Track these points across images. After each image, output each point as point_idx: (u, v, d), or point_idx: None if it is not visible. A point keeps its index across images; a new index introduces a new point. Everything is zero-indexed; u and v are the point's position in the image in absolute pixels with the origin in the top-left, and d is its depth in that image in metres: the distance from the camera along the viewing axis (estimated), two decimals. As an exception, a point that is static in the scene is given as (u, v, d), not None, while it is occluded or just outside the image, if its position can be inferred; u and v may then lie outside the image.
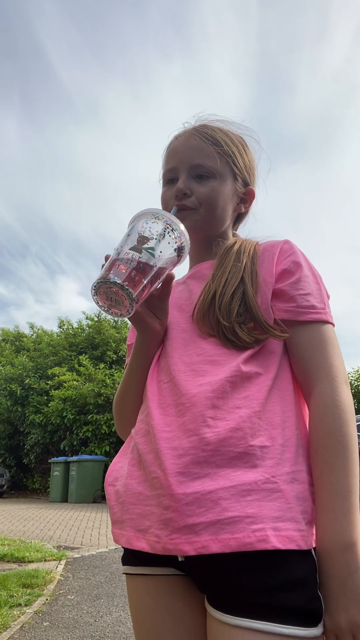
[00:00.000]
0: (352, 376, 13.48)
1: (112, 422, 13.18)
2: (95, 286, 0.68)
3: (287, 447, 0.69)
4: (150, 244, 0.72)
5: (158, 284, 0.75)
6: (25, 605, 3.15)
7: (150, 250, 0.71)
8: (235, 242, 0.89)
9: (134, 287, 0.68)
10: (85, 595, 3.45)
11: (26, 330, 21.00)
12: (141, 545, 0.68)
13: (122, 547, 0.76)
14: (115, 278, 0.67)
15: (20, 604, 3.14)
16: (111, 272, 0.68)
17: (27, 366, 16.21)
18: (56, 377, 14.90)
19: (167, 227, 0.73)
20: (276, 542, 0.61)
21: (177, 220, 0.74)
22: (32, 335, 19.80)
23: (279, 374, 0.76)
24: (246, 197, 0.95)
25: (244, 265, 0.82)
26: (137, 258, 0.70)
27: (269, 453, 0.67)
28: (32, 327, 20.07)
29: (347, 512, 0.64)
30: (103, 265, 0.71)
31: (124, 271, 0.68)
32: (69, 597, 3.40)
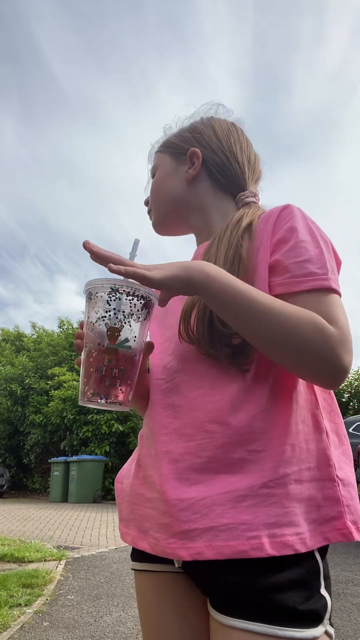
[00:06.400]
0: (352, 376, 13.46)
1: (112, 422, 13.19)
2: (83, 402, 0.67)
3: (287, 447, 0.64)
4: (123, 334, 0.66)
5: (141, 353, 0.70)
6: (25, 605, 3.14)
7: (126, 345, 0.67)
8: (242, 216, 0.78)
9: (123, 395, 0.67)
10: (85, 595, 3.45)
11: (27, 330, 21.04)
12: (144, 545, 0.70)
13: None
14: (102, 400, 0.65)
15: (20, 604, 3.14)
16: (91, 391, 0.66)
17: (27, 366, 16.21)
18: (56, 377, 14.89)
19: (127, 294, 0.66)
20: (270, 550, 0.59)
21: (124, 278, 0.65)
22: (33, 335, 19.80)
23: (278, 369, 0.69)
24: (192, 160, 0.87)
25: (230, 253, 0.73)
26: (116, 363, 0.66)
27: (267, 457, 0.64)
28: (33, 326, 20.08)
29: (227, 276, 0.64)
30: (82, 376, 0.67)
31: (106, 384, 0.65)
32: (69, 597, 3.40)
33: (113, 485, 13.59)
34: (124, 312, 0.66)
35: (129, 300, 0.66)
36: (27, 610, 3.04)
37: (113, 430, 13.03)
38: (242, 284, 0.64)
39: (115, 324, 0.66)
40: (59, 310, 60.12)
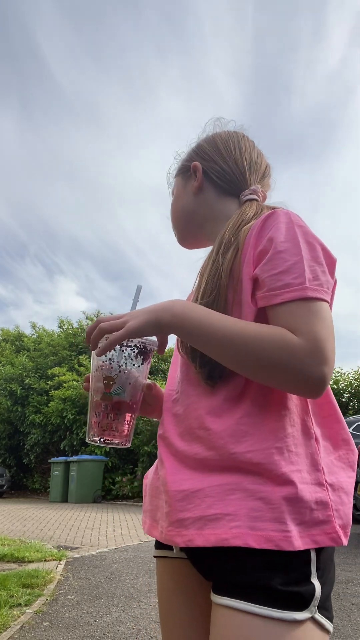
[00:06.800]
0: (352, 376, 13.46)
1: (112, 422, 13.18)
2: (88, 439, 0.79)
3: (274, 450, 0.67)
4: (118, 382, 0.76)
5: (140, 395, 0.80)
6: (25, 605, 3.15)
7: (119, 392, 0.76)
8: (229, 226, 0.80)
9: (119, 435, 0.77)
10: (85, 595, 3.45)
11: (27, 330, 21.04)
12: (156, 534, 0.78)
13: None
14: (100, 440, 0.77)
15: (20, 604, 3.14)
16: (92, 432, 0.77)
17: (27, 366, 16.21)
18: (56, 377, 14.90)
19: (120, 345, 0.76)
20: (251, 541, 0.63)
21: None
22: (33, 335, 19.81)
23: None
24: (195, 173, 0.91)
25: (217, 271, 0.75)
26: (111, 408, 0.76)
27: (254, 457, 0.66)
28: (33, 326, 20.09)
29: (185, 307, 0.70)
30: (89, 416, 0.78)
31: (102, 427, 0.76)
32: (69, 597, 3.40)
33: (113, 485, 13.47)
34: (118, 362, 0.75)
35: (123, 350, 0.76)
36: (27, 610, 3.05)
37: (113, 430, 13.02)
38: (206, 316, 0.68)
39: (110, 374, 0.75)
40: (59, 310, 60.12)
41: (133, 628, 2.77)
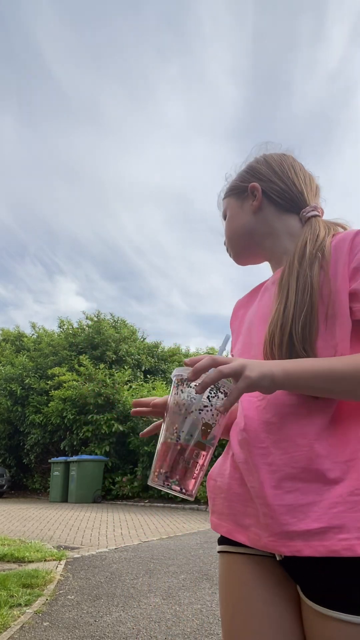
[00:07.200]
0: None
1: (112, 422, 13.19)
2: (156, 483, 0.71)
3: None
4: (212, 431, 0.71)
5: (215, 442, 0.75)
6: (25, 605, 3.15)
7: (212, 441, 0.72)
8: (306, 242, 0.85)
9: (194, 486, 0.72)
10: (85, 595, 3.45)
11: (27, 330, 21.04)
12: (241, 538, 0.80)
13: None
14: (177, 488, 0.70)
15: (20, 604, 3.14)
16: (173, 479, 0.70)
17: (27, 366, 16.21)
18: (56, 377, 14.90)
19: (225, 394, 0.71)
20: None
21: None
22: (33, 335, 19.81)
23: None
24: (253, 194, 0.96)
25: (311, 279, 0.79)
26: (202, 457, 0.71)
27: (353, 468, 0.70)
28: (33, 326, 20.09)
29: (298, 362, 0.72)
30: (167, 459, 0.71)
31: (186, 475, 0.70)
32: (69, 597, 3.40)
33: (113, 485, 13.41)
34: (218, 410, 0.71)
35: (222, 399, 0.71)
36: (27, 610, 3.05)
37: (113, 430, 13.03)
38: (311, 364, 0.71)
39: (209, 421, 0.71)
40: (59, 310, 60.15)
41: (133, 628, 2.77)
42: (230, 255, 1.04)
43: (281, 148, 1.01)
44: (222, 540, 0.88)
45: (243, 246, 1.00)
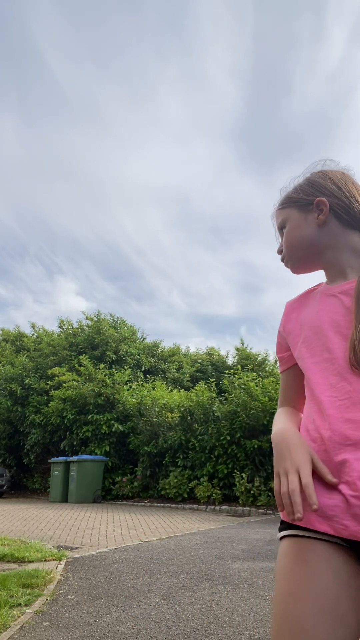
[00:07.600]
0: None
1: (112, 422, 13.20)
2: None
3: None
4: None
5: None
6: (25, 605, 3.15)
7: None
8: None
9: None
10: (85, 595, 3.45)
11: (27, 330, 21.04)
12: (325, 528, 0.84)
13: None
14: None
15: (20, 604, 3.14)
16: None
17: (27, 366, 16.21)
18: (56, 377, 14.91)
19: None
20: None
21: None
22: (33, 335, 19.81)
23: None
24: (319, 208, 1.02)
25: None
26: None
27: None
28: (33, 326, 20.09)
29: None
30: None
31: None
32: (69, 597, 3.40)
33: (113, 485, 13.45)
34: None
35: None
36: (27, 610, 3.05)
37: (113, 430, 13.04)
38: None
39: None
40: (59, 310, 60.18)
41: (133, 628, 2.77)
42: (286, 263, 1.09)
43: (338, 166, 1.07)
44: (289, 526, 0.91)
45: (303, 256, 1.05)
